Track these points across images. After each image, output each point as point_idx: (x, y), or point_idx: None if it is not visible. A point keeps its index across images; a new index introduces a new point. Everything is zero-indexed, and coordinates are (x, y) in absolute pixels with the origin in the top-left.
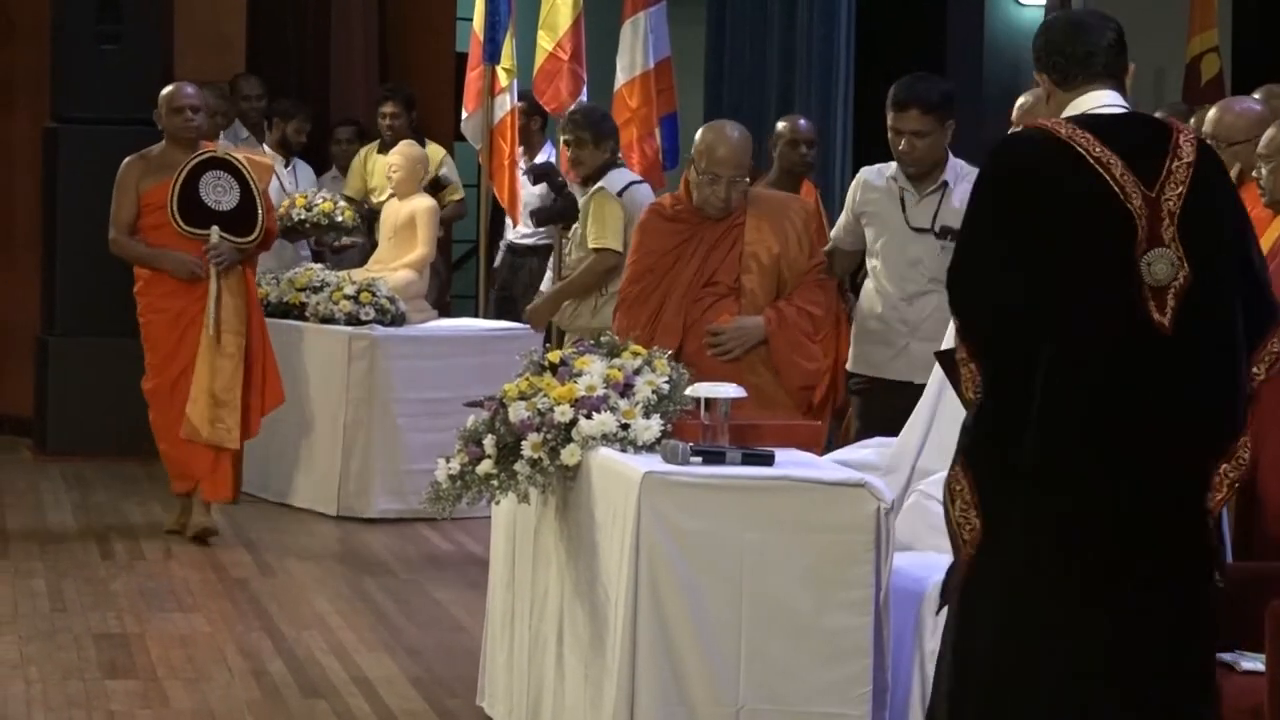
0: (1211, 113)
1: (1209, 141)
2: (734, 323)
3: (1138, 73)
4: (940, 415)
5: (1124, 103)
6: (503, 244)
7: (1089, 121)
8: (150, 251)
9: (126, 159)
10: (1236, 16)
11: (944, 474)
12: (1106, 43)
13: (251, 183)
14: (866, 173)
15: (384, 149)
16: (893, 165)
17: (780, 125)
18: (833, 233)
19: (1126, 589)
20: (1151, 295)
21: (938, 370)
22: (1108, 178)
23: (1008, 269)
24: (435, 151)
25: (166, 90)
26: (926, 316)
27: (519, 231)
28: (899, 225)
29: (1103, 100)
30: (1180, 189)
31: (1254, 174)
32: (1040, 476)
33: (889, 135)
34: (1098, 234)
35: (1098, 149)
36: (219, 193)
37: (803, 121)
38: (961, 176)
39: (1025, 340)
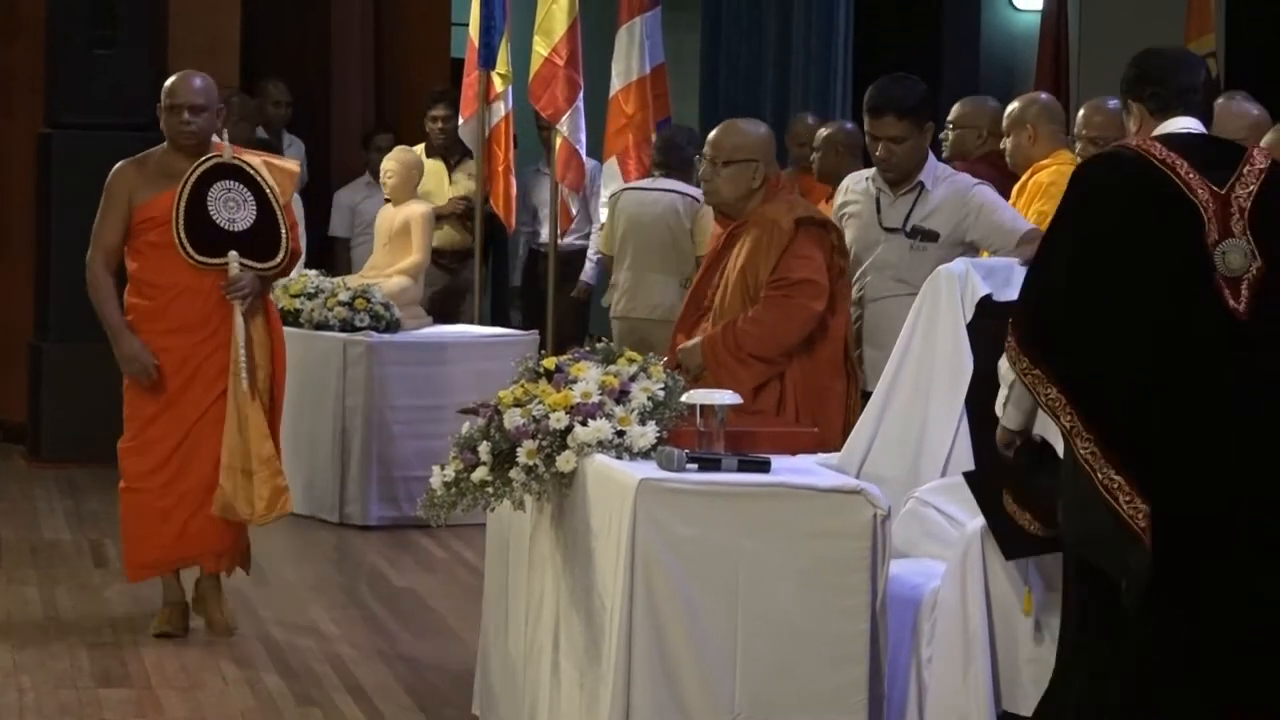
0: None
1: None
2: (681, 347)
3: None
4: (886, 419)
5: (1203, 129)
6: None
7: (1164, 138)
8: (116, 322)
9: (118, 164)
10: (1231, 21)
11: (941, 481)
12: (1201, 81)
13: (269, 192)
14: (850, 178)
15: (433, 153)
16: (874, 170)
17: (793, 124)
18: None
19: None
20: (1226, 284)
21: (884, 379)
22: (1173, 176)
23: (1081, 268)
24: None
25: (170, 80)
26: (878, 323)
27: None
28: (871, 225)
29: (1185, 125)
30: (1251, 188)
31: None
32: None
33: (867, 141)
34: (1164, 227)
35: (1163, 153)
36: (231, 208)
37: (810, 118)
38: (940, 179)
39: (1107, 334)
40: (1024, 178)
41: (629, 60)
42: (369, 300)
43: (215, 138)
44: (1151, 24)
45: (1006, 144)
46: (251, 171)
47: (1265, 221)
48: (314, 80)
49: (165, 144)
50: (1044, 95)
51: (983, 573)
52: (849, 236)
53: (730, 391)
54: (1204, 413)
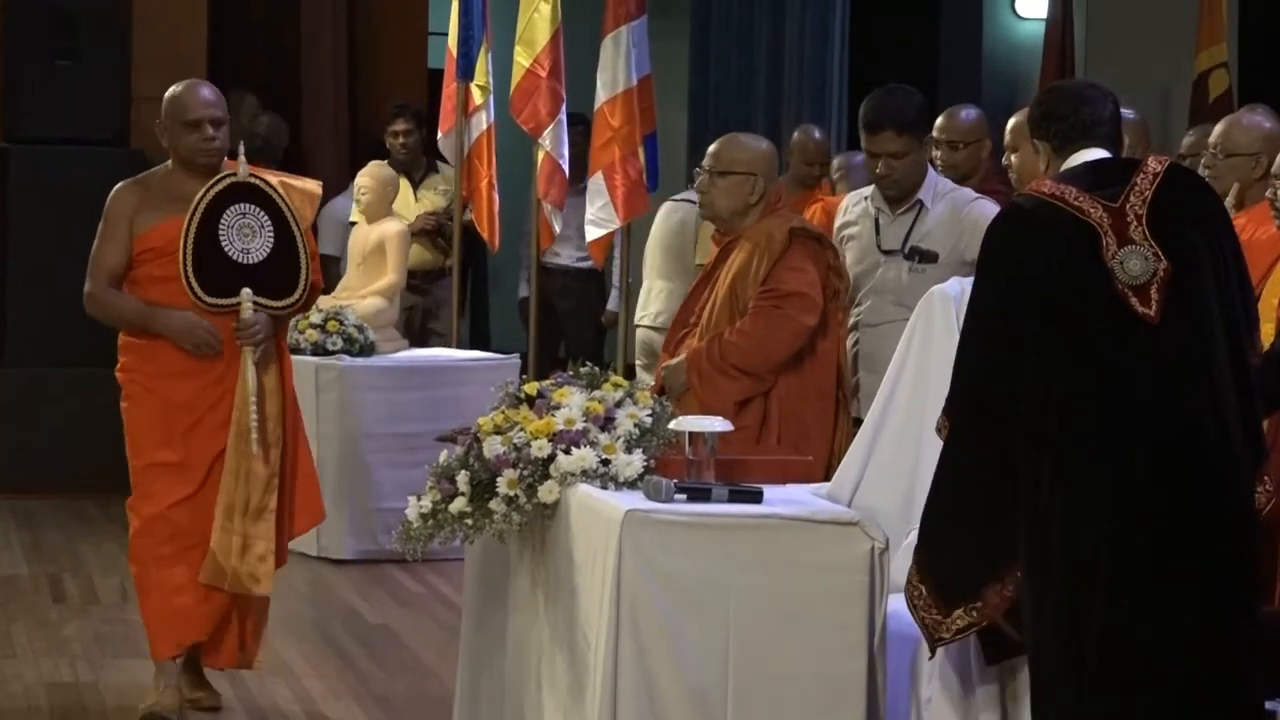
0: (1220, 125)
1: (1212, 151)
2: (664, 365)
3: (1143, 90)
4: (878, 449)
5: (1107, 154)
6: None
7: (1059, 175)
8: (144, 309)
9: (117, 186)
10: (1243, 31)
11: None
12: (1109, 114)
13: (290, 217)
14: (849, 198)
15: (396, 169)
16: (873, 188)
17: (795, 136)
18: None
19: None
20: (1132, 293)
21: (876, 406)
22: (1062, 205)
23: (1000, 330)
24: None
25: (174, 92)
26: (877, 349)
27: (570, 255)
28: (870, 247)
29: (1088, 156)
30: (1146, 194)
31: (1268, 194)
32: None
33: (864, 159)
34: (1063, 257)
35: (1050, 187)
36: (246, 236)
37: (816, 134)
38: (940, 195)
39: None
40: None
41: (615, 71)
42: (342, 323)
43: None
44: (1161, 33)
45: (1011, 158)
46: (270, 192)
47: (1166, 222)
48: (284, 93)
49: (168, 164)
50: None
51: None
52: (849, 259)
53: (720, 418)
54: (1123, 431)
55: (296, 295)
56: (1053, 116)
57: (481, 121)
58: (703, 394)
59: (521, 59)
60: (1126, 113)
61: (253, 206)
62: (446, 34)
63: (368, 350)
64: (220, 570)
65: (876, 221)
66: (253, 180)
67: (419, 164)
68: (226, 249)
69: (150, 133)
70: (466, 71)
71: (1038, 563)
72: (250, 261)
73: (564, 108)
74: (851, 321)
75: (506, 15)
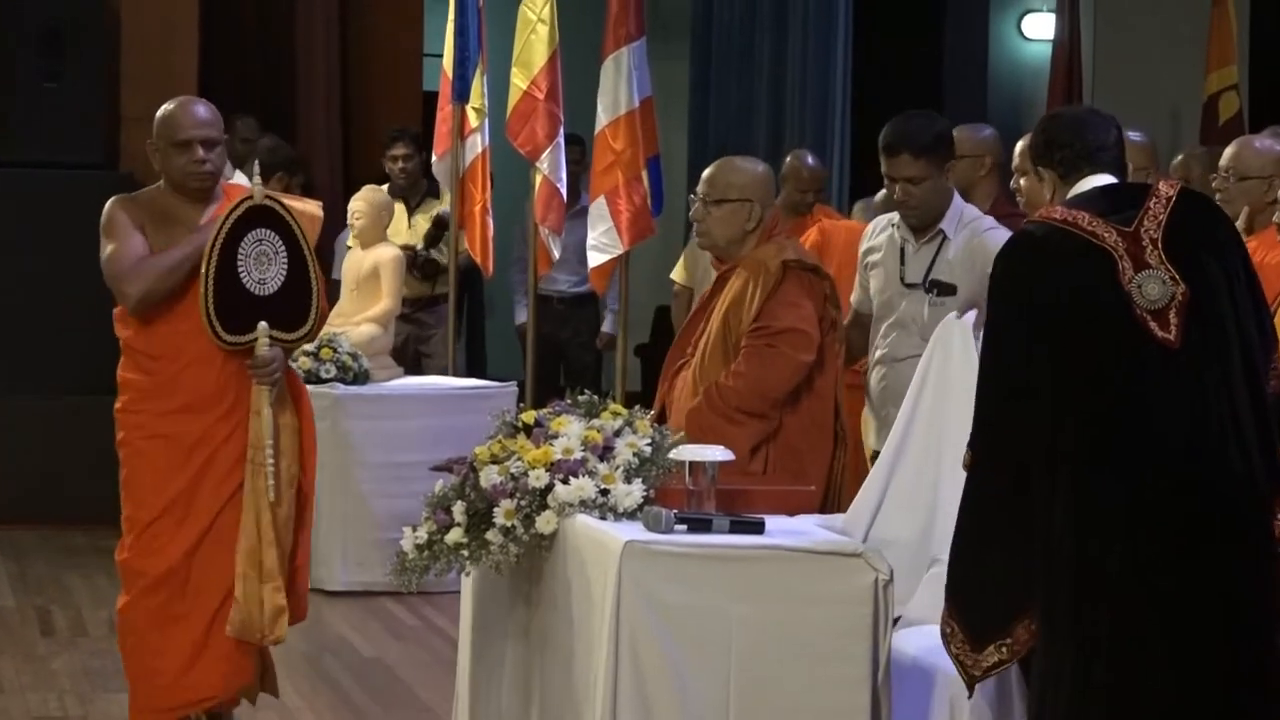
0: (1230, 147)
1: (1224, 175)
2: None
3: (1152, 113)
4: (896, 479)
5: (1114, 180)
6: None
7: (1069, 200)
8: (189, 245)
9: (113, 200)
10: (1254, 52)
11: None
12: (1113, 139)
13: (302, 241)
14: (875, 223)
15: (394, 194)
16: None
17: (788, 162)
18: (852, 298)
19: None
20: (1151, 317)
21: (894, 436)
22: (1075, 230)
23: (1021, 340)
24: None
25: (166, 110)
26: (903, 383)
27: (568, 280)
28: (894, 279)
29: (1095, 182)
30: (1160, 218)
31: (1276, 219)
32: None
33: (885, 182)
34: (1078, 283)
35: (1061, 213)
36: (262, 265)
37: (810, 160)
38: (964, 224)
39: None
40: None
41: (616, 94)
42: (335, 350)
43: (242, 176)
44: (1170, 54)
45: (1022, 181)
46: (285, 214)
47: (1181, 246)
48: (276, 115)
49: (159, 185)
50: None
51: None
52: (873, 287)
53: (721, 448)
54: (1140, 456)
55: (308, 326)
56: (1055, 144)
57: (476, 144)
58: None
59: (518, 81)
60: (1134, 135)
61: (269, 232)
62: (441, 55)
63: (362, 378)
64: (249, 623)
65: (902, 251)
66: (269, 203)
67: (417, 189)
68: (244, 280)
69: (140, 155)
70: (462, 94)
71: (1051, 587)
72: (266, 293)
73: (562, 130)
74: (876, 355)
75: (503, 36)
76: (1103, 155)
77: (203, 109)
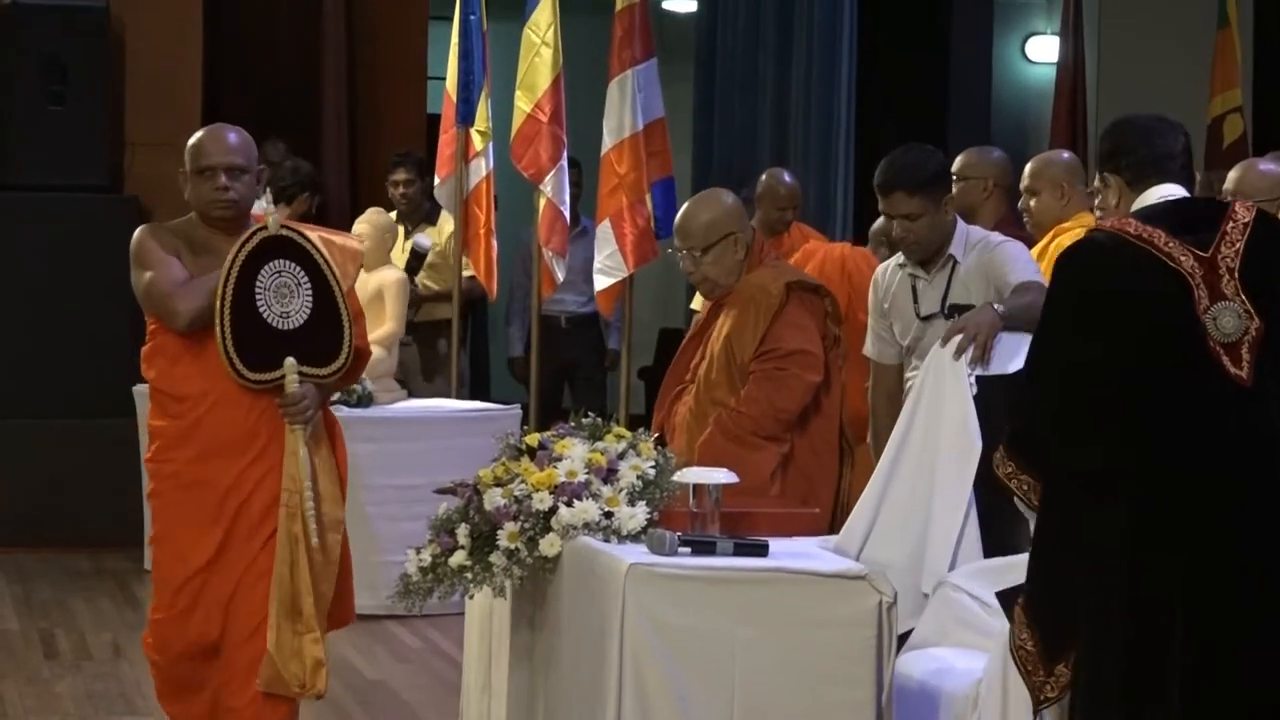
0: (1234, 170)
1: (1229, 198)
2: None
3: None
4: (888, 501)
5: (1184, 193)
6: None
7: (1141, 212)
8: (206, 283)
9: (143, 228)
10: (1258, 75)
11: (974, 566)
12: (1181, 147)
13: (329, 272)
14: (879, 271)
15: (399, 221)
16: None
17: (763, 180)
18: (866, 349)
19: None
20: (1224, 351)
21: (885, 458)
22: (1151, 249)
23: (1073, 375)
24: (447, 224)
25: (196, 137)
26: None
27: (576, 300)
28: (910, 317)
29: (1164, 192)
30: (1237, 245)
31: None
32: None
33: (883, 220)
34: (1150, 305)
35: (1136, 228)
36: (284, 298)
37: (787, 178)
38: (972, 245)
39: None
40: (1045, 241)
41: (620, 116)
42: None
43: (261, 205)
44: (1174, 78)
45: (1031, 203)
46: (305, 245)
47: (1257, 277)
48: (286, 138)
49: (191, 216)
50: (1069, 154)
51: None
52: (897, 330)
53: (725, 470)
54: (1205, 496)
55: (341, 361)
56: (1123, 150)
57: (481, 167)
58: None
59: (522, 104)
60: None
61: (288, 263)
62: (444, 79)
63: (366, 401)
64: (280, 676)
65: (914, 288)
66: (285, 233)
67: (417, 213)
68: (265, 314)
69: (145, 178)
70: (466, 116)
71: (1099, 611)
72: (290, 327)
73: (565, 153)
74: (909, 384)
75: (507, 60)
76: (1170, 164)
77: (233, 135)
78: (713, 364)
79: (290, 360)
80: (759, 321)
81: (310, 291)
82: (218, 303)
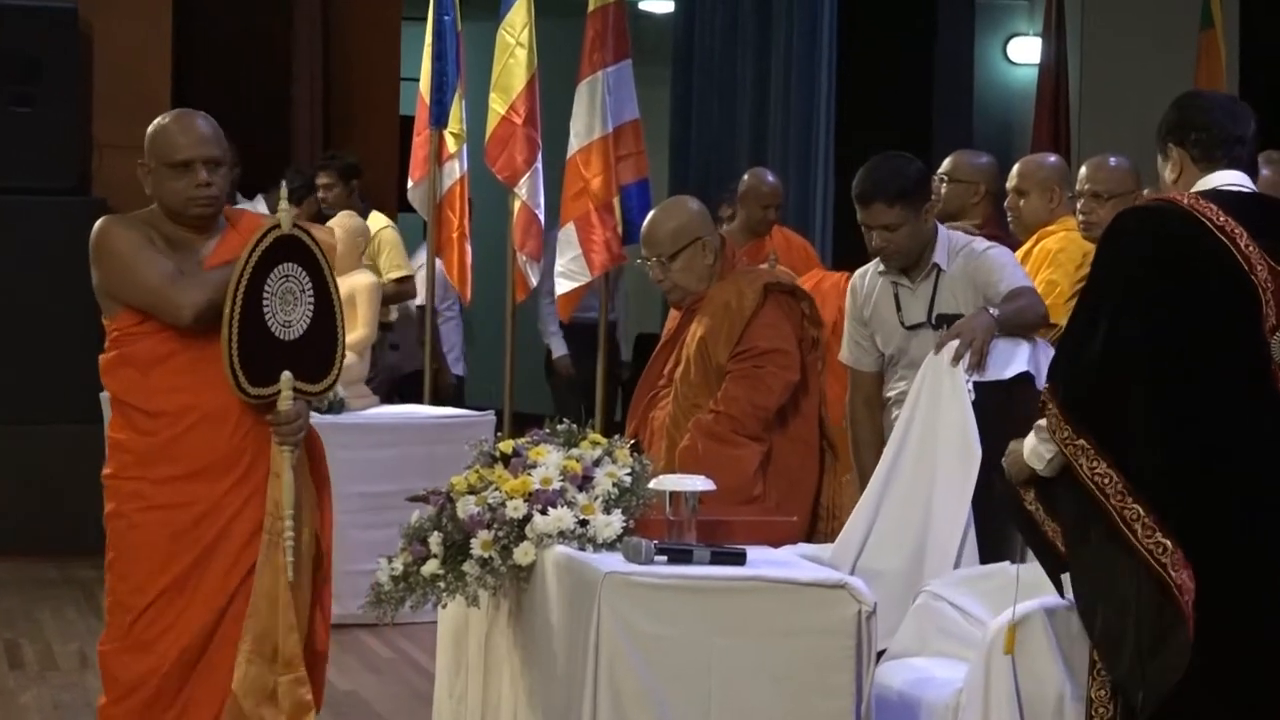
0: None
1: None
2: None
3: (1140, 137)
4: (885, 509)
5: (1252, 186)
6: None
7: (1214, 195)
8: (219, 275)
9: (107, 220)
10: (1244, 77)
11: (956, 574)
12: (1251, 133)
13: (329, 276)
14: (856, 278)
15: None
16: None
17: (746, 180)
18: (842, 355)
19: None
20: None
21: (882, 466)
22: (1232, 248)
23: (1126, 318)
24: (378, 222)
25: (160, 125)
26: None
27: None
28: (894, 326)
29: (1231, 180)
30: None
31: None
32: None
33: (862, 229)
34: (1222, 305)
35: (1221, 218)
36: (288, 305)
37: (770, 178)
38: (957, 251)
39: (1142, 388)
40: (1029, 243)
41: (590, 118)
42: None
43: (249, 203)
44: (1158, 79)
45: (1019, 204)
46: (313, 247)
47: None
48: (259, 139)
49: (151, 209)
50: (1056, 157)
51: (1012, 674)
52: (879, 340)
53: (703, 477)
54: (1254, 513)
55: (333, 375)
56: (1194, 124)
57: (454, 170)
58: (716, 475)
59: (497, 106)
60: (1115, 160)
61: (295, 266)
62: (418, 80)
63: (337, 407)
64: (248, 716)
65: (897, 296)
66: (297, 233)
67: (356, 210)
68: (269, 323)
69: (114, 181)
70: (440, 118)
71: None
72: (291, 338)
73: (540, 156)
74: (893, 394)
75: (481, 61)
76: (1240, 149)
77: (203, 123)
78: (690, 367)
79: (288, 375)
80: (734, 325)
81: (312, 299)
82: (228, 307)
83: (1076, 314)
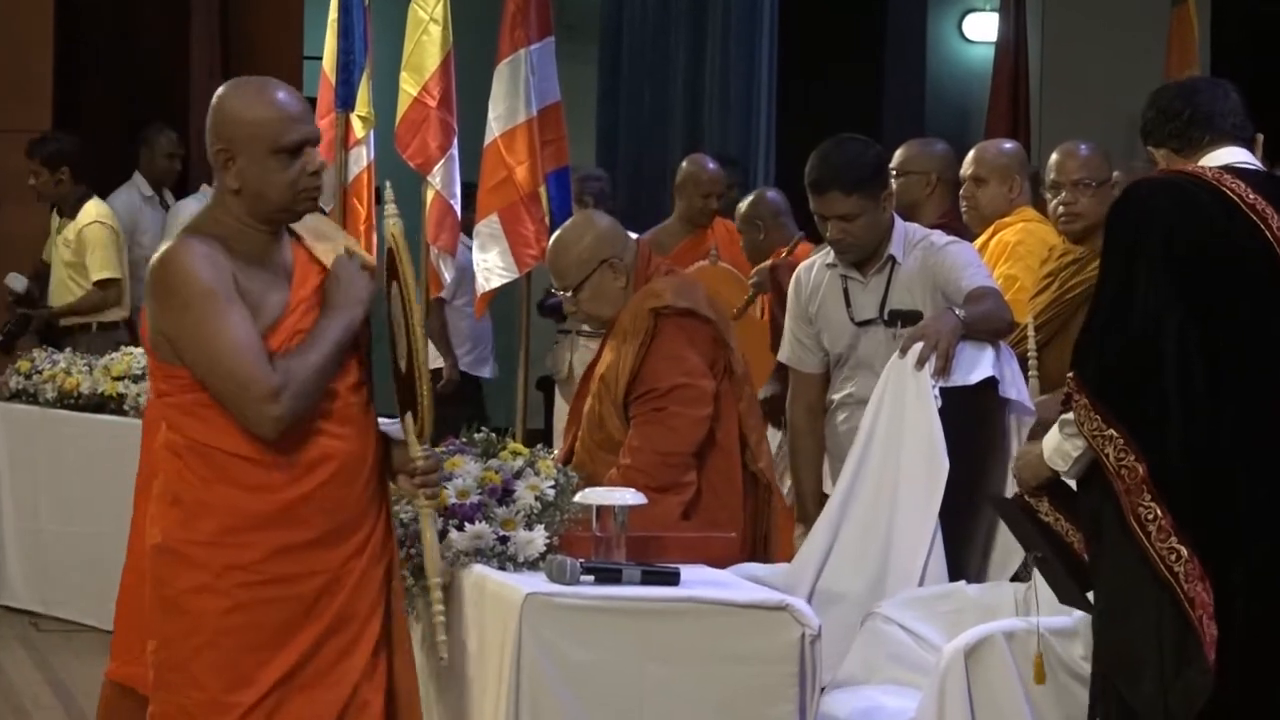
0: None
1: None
2: None
3: (1107, 120)
4: (845, 527)
5: (1259, 164)
6: (422, 323)
7: (1237, 172)
8: (330, 338)
9: (182, 240)
10: (1215, 57)
11: (906, 594)
12: (1231, 104)
13: (406, 301)
14: (802, 269)
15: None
16: (826, 249)
17: (685, 167)
18: (782, 354)
19: None
20: None
21: (841, 483)
22: (1266, 231)
23: (1155, 293)
24: (87, 216)
25: (244, 102)
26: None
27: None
28: (843, 323)
29: (1238, 157)
30: None
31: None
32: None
33: (815, 219)
34: (1254, 287)
35: (1251, 196)
36: (400, 332)
37: (710, 165)
38: (914, 244)
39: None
40: (985, 235)
41: (511, 100)
42: None
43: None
44: (1126, 58)
45: (977, 194)
46: (400, 264)
47: None
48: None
49: (222, 209)
50: (1014, 144)
51: (968, 702)
52: (826, 339)
53: (633, 490)
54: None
55: (421, 415)
56: (1166, 114)
57: (362, 156)
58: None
59: (408, 86)
60: (1084, 146)
61: (395, 285)
62: (321, 59)
63: None
64: None
65: (846, 290)
66: (391, 245)
67: (64, 204)
68: (399, 357)
69: None
70: (346, 100)
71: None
72: (404, 369)
73: (455, 141)
74: (839, 396)
75: (391, 38)
76: (1222, 122)
77: (289, 94)
78: (595, 402)
79: (409, 417)
80: (627, 354)
81: (404, 325)
82: (404, 339)
83: (1099, 301)
